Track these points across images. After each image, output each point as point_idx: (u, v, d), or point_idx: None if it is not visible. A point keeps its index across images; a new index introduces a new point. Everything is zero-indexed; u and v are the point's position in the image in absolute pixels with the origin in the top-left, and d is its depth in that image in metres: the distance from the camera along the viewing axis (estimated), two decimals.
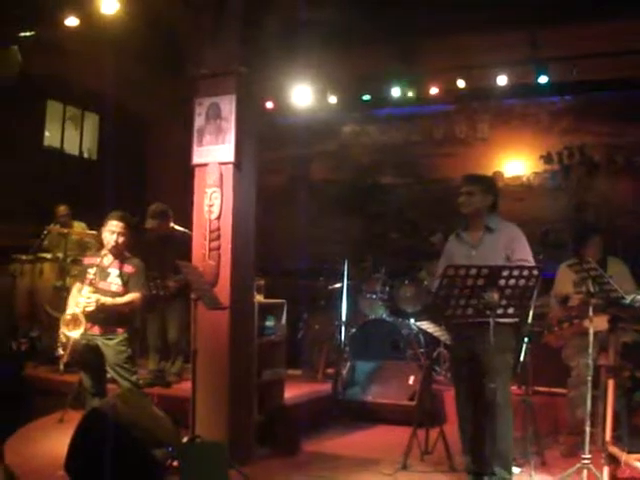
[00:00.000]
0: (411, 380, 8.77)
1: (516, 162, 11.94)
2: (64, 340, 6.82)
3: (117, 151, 12.72)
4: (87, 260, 7.31)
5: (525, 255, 5.77)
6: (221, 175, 6.75)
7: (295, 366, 9.77)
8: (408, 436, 6.81)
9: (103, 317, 6.87)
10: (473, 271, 4.43)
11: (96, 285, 6.88)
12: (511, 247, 5.80)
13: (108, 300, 6.85)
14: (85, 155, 13.61)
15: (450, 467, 6.57)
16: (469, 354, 5.82)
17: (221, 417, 6.56)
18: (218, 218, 6.73)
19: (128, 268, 7.08)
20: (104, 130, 13.56)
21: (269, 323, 7.62)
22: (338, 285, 10.41)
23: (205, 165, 6.87)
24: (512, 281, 4.44)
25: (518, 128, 12.08)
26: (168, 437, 5.83)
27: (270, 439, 7.16)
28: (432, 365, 8.81)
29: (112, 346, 6.93)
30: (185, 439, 6.11)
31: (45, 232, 10.32)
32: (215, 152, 6.81)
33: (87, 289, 6.83)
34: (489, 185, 6.19)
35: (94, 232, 10.10)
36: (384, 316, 10.16)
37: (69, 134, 13.34)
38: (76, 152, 13.47)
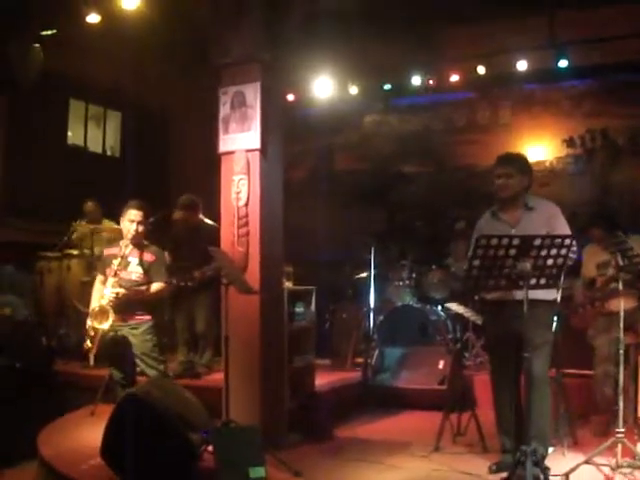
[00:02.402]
0: (441, 365, 8.79)
1: (539, 147, 11.90)
2: (92, 333, 6.89)
3: (140, 147, 12.82)
4: (107, 251, 7.38)
5: (565, 232, 5.67)
6: (248, 162, 6.77)
7: (323, 356, 9.76)
8: (439, 420, 6.81)
9: (128, 307, 6.93)
10: (505, 241, 4.43)
11: (118, 275, 6.94)
12: (551, 224, 5.73)
13: (132, 289, 6.91)
14: (108, 153, 13.69)
15: (483, 448, 6.57)
16: (505, 330, 5.80)
17: (254, 403, 6.59)
18: (246, 205, 6.76)
19: (148, 256, 7.16)
20: (126, 127, 13.62)
21: (298, 309, 7.63)
22: (364, 274, 10.44)
23: (232, 153, 6.89)
24: (544, 251, 4.43)
25: (540, 113, 12.02)
26: (202, 422, 5.86)
27: (302, 425, 7.16)
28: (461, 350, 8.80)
29: (138, 335, 7.01)
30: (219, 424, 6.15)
31: (72, 229, 10.39)
32: (241, 140, 6.83)
33: (112, 280, 6.89)
34: (525, 164, 6.09)
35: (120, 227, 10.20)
36: (411, 303, 10.18)
37: (92, 132, 13.41)
38: (99, 150, 13.55)
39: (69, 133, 12.99)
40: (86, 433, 7.05)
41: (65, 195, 11.21)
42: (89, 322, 6.94)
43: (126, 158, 13.22)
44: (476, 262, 4.50)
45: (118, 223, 9.90)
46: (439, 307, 10.08)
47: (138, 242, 7.19)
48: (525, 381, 5.64)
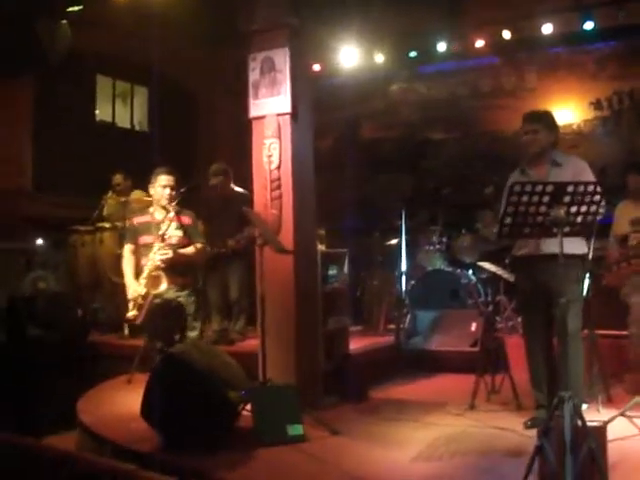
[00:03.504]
0: (473, 327, 8.83)
1: (566, 110, 11.85)
2: (140, 301, 6.99)
3: (168, 121, 12.86)
4: (137, 220, 7.44)
5: None
6: (279, 126, 6.83)
7: (355, 323, 9.83)
8: (472, 382, 6.88)
9: (173, 270, 7.03)
10: (539, 188, 4.45)
11: (165, 240, 7.03)
12: (579, 179, 5.75)
13: (178, 252, 7.01)
14: (137, 128, 13.78)
15: (517, 406, 6.63)
16: (536, 285, 5.87)
17: (289, 365, 6.67)
18: (278, 168, 6.82)
19: (185, 219, 7.25)
20: (154, 102, 13.67)
21: (331, 272, 7.68)
22: (394, 241, 10.47)
23: (262, 117, 6.96)
24: (577, 197, 4.46)
25: (565, 76, 11.93)
26: (240, 381, 5.95)
27: (337, 388, 7.23)
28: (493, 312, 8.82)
29: (184, 297, 7.13)
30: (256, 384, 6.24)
31: (102, 202, 10.48)
32: (271, 104, 6.89)
33: (158, 245, 6.98)
34: (551, 121, 6.17)
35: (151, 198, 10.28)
36: (442, 267, 10.22)
37: (119, 108, 13.50)
38: (128, 125, 13.64)
39: (97, 110, 13.08)
40: (123, 399, 7.17)
41: (95, 170, 11.28)
42: (138, 290, 7.05)
43: (154, 132, 13.27)
44: (510, 209, 4.54)
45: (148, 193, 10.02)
46: (470, 271, 10.10)
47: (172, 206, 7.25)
48: (558, 336, 5.70)
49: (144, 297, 6.99)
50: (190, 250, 7.21)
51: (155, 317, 7.09)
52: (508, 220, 4.59)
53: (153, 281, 6.98)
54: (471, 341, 8.67)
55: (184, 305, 7.15)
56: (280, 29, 6.90)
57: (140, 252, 7.27)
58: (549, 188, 4.45)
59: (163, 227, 7.08)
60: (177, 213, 7.26)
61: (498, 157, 11.68)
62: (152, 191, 7.36)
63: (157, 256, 7.00)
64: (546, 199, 4.45)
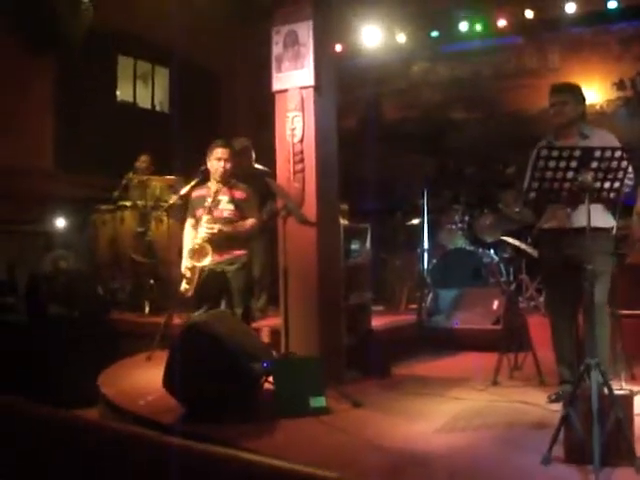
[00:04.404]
0: (495, 305, 8.80)
1: (589, 91, 11.71)
2: (189, 275, 7.00)
3: (189, 102, 12.86)
4: (195, 193, 7.42)
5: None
6: (302, 99, 6.81)
7: (377, 302, 9.80)
8: (495, 360, 6.86)
9: (224, 243, 7.02)
10: (566, 153, 4.41)
11: (212, 214, 7.01)
12: None
13: (226, 227, 7.00)
14: (157, 108, 13.79)
15: (540, 382, 6.61)
16: (562, 259, 5.81)
17: (312, 338, 6.65)
18: (301, 141, 6.81)
19: (238, 194, 7.20)
20: (174, 83, 13.68)
21: (354, 246, 7.66)
22: (415, 221, 10.46)
23: (285, 91, 6.94)
24: (605, 163, 4.42)
25: (589, 57, 11.90)
26: (262, 353, 5.95)
27: (360, 363, 7.21)
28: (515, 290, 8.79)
29: (234, 270, 7.07)
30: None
31: (124, 181, 10.49)
32: (295, 77, 6.88)
33: (206, 217, 6.97)
34: (579, 93, 6.10)
35: (170, 177, 10.27)
36: (464, 246, 10.18)
37: (140, 89, 13.51)
38: (148, 106, 13.66)
39: (118, 91, 13.10)
40: (144, 374, 7.21)
41: (115, 150, 11.29)
42: (186, 263, 7.06)
43: (175, 113, 13.26)
44: (537, 174, 4.50)
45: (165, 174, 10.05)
46: (492, 250, 10.07)
47: (226, 180, 7.22)
48: (584, 305, 5.66)
49: (192, 270, 6.99)
50: (240, 225, 7.17)
51: (201, 289, 7.08)
52: (535, 185, 4.55)
53: (198, 254, 6.97)
54: (493, 319, 8.65)
55: (230, 279, 7.12)
56: (304, 2, 6.88)
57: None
58: (576, 153, 4.40)
59: (209, 200, 7.06)
60: (231, 187, 7.21)
61: (520, 137, 11.59)
62: (209, 164, 7.31)
63: (204, 229, 6.99)
64: (573, 164, 4.41)
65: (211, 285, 7.08)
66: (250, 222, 7.18)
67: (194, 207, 7.27)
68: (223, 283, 7.09)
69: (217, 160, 7.15)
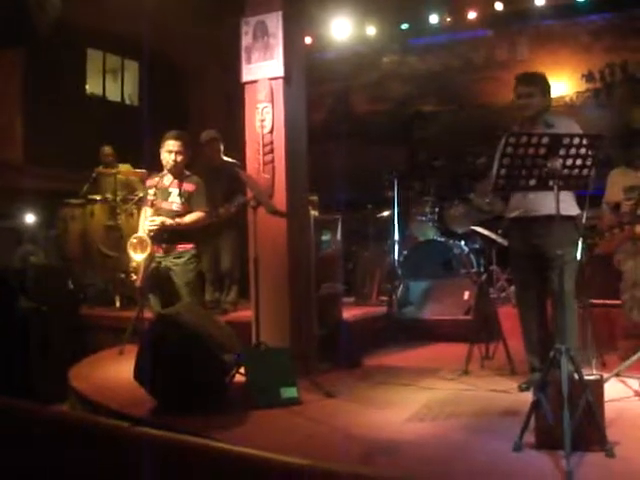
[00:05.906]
0: (466, 295, 8.82)
1: (558, 83, 11.82)
2: (134, 265, 6.96)
3: (158, 95, 12.81)
4: (149, 182, 7.38)
5: None
6: (271, 90, 6.81)
7: (348, 295, 9.83)
8: (466, 350, 6.87)
9: (168, 237, 6.97)
10: (534, 139, 4.41)
11: (158, 205, 6.97)
12: None
13: (170, 220, 6.93)
14: (127, 102, 13.74)
15: (511, 371, 6.61)
16: (532, 247, 5.84)
17: (283, 328, 6.67)
18: (270, 132, 6.80)
19: (188, 186, 7.13)
20: (144, 76, 13.62)
21: (325, 237, 7.67)
22: (386, 213, 10.46)
23: (255, 82, 6.92)
24: (573, 150, 4.43)
25: (558, 49, 11.96)
26: (233, 345, 5.93)
27: (331, 354, 7.22)
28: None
29: (181, 265, 7.02)
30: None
31: (94, 175, 10.43)
32: (264, 68, 6.86)
33: (149, 211, 6.94)
34: (545, 83, 6.09)
35: (140, 171, 10.21)
36: (435, 237, 10.20)
37: (110, 82, 13.47)
38: (118, 99, 13.60)
39: (87, 84, 13.04)
40: (116, 368, 7.18)
41: (85, 143, 11.23)
42: (129, 253, 7.03)
43: (144, 106, 13.21)
44: (506, 161, 4.50)
45: (135, 167, 10.00)
46: (462, 241, 10.09)
47: (178, 172, 7.15)
48: (552, 296, 5.70)
49: (136, 261, 6.96)
50: (187, 218, 7.11)
51: (148, 281, 7.05)
52: (503, 172, 4.54)
53: (137, 246, 6.93)
54: (464, 309, 8.66)
55: (175, 276, 7.06)
56: None
57: None
58: (545, 140, 4.41)
59: (150, 192, 7.02)
60: (181, 180, 7.15)
61: (490, 128, 11.54)
62: (161, 155, 7.24)
63: (147, 222, 6.94)
64: (542, 151, 4.42)
65: (156, 278, 7.05)
66: (194, 216, 7.11)
67: (146, 196, 7.24)
68: (168, 279, 7.05)
69: (168, 152, 7.08)
